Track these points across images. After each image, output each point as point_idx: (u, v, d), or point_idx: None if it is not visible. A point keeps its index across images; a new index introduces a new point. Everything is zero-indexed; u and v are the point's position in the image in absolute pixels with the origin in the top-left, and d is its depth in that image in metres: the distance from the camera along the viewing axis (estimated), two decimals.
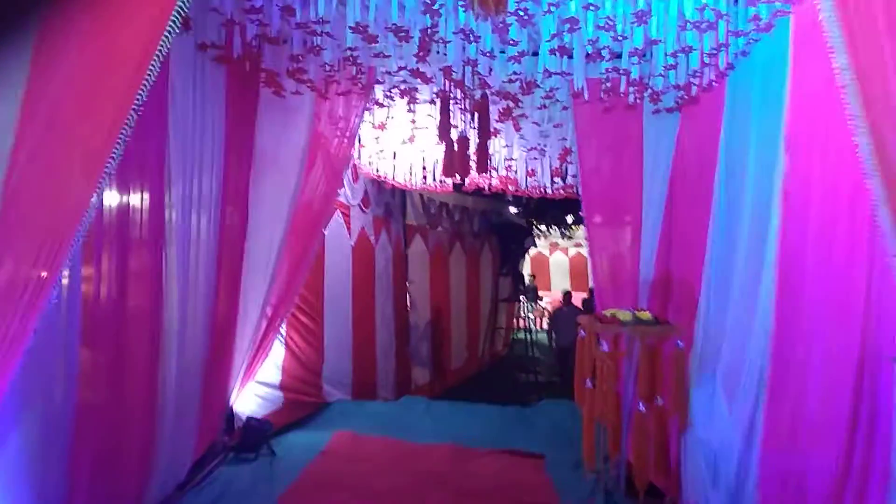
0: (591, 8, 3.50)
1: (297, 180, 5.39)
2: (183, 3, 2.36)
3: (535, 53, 4.28)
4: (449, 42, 3.82)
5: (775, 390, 3.44)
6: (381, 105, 5.56)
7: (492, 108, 5.19)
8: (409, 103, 5.41)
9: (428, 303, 10.27)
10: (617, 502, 4.44)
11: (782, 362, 3.39)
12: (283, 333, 6.49)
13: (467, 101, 5.03)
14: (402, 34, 3.78)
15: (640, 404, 4.18)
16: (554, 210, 14.30)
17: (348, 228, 7.75)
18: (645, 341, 4.16)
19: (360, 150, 6.88)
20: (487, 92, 4.92)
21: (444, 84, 4.77)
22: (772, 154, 3.55)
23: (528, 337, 11.78)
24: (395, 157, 7.09)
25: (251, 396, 5.92)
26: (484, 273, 12.61)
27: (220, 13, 3.80)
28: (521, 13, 3.56)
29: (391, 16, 3.60)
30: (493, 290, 12.99)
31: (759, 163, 3.75)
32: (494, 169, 7.00)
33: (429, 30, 3.76)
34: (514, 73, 4.25)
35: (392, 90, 5.13)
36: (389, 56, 4.14)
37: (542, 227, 16.03)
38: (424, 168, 7.40)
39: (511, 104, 5.22)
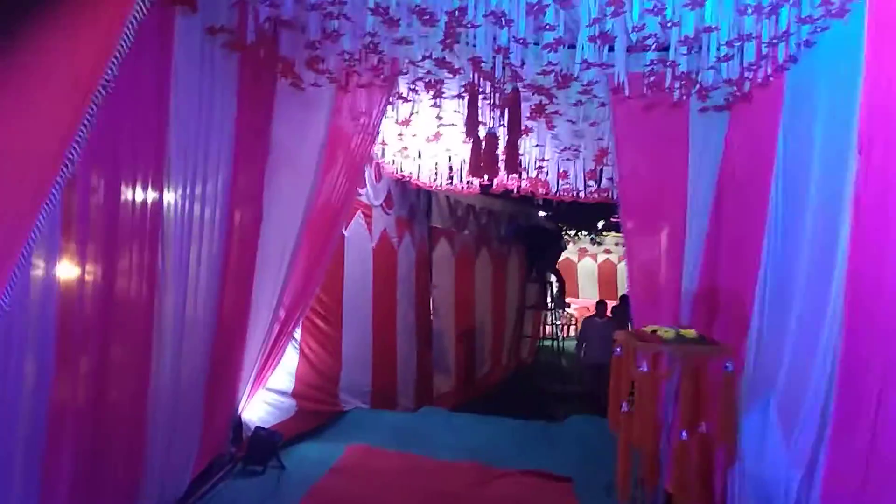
0: None
1: (315, 178, 5.12)
2: None
3: (572, 46, 3.92)
4: (478, 26, 3.46)
5: (842, 424, 3.00)
6: (405, 99, 5.23)
7: (523, 104, 4.82)
8: (434, 98, 5.07)
9: (452, 309, 9.91)
10: None
11: (852, 392, 2.95)
12: (298, 338, 6.18)
13: (497, 95, 4.67)
14: (427, 17, 3.43)
15: (684, 433, 3.76)
16: (584, 215, 13.88)
17: (370, 230, 7.43)
18: (689, 362, 3.75)
19: (382, 148, 6.55)
20: (518, 86, 4.56)
21: (472, 76, 4.42)
22: (841, 157, 3.12)
23: (556, 345, 11.36)
24: (419, 156, 6.74)
25: (261, 404, 5.62)
26: (511, 279, 12.22)
27: None
28: None
29: None
30: (519, 296, 12.59)
31: (825, 166, 3.33)
32: (524, 170, 6.62)
33: (456, 12, 3.40)
34: (550, 63, 3.87)
35: (416, 83, 4.78)
36: (413, 43, 3.80)
37: (572, 233, 15.62)
38: (451, 168, 7.03)
39: (544, 100, 4.84)
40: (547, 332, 13.89)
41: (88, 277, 3.04)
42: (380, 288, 7.75)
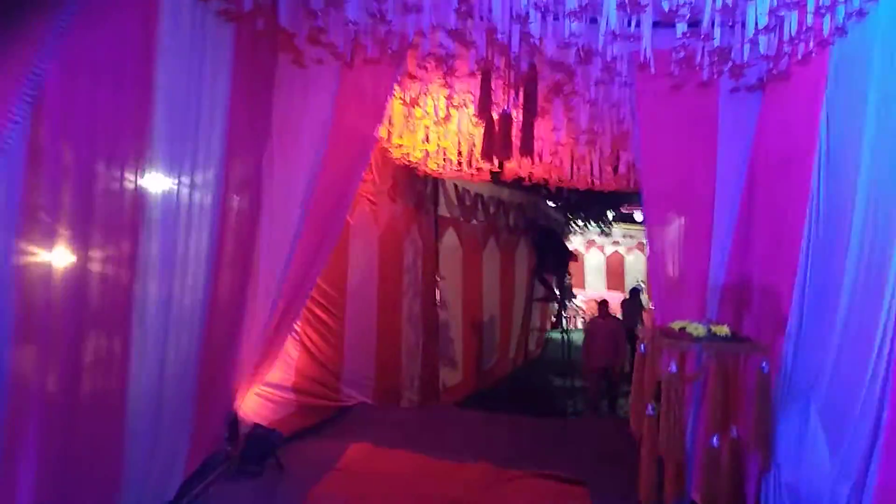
0: None
1: (317, 161, 4.82)
2: None
3: (594, 21, 3.61)
4: None
5: None
6: (414, 78, 4.90)
7: (539, 84, 4.50)
8: (445, 76, 4.74)
9: (459, 300, 9.60)
10: None
11: None
12: (298, 330, 5.89)
13: (512, 72, 4.34)
14: None
15: (715, 438, 3.45)
16: (594, 205, 13.55)
17: (375, 218, 7.12)
18: (722, 362, 3.44)
19: (388, 131, 6.23)
20: (536, 62, 4.23)
21: (486, 51, 4.09)
22: None
23: (564, 337, 11.05)
24: (427, 140, 6.41)
25: (259, 399, 5.35)
26: (519, 270, 11.90)
27: None
28: None
29: None
30: (527, 288, 12.29)
31: (878, 153, 3.02)
32: (538, 156, 6.28)
33: None
34: (572, 34, 3.53)
35: (426, 58, 4.44)
36: (423, 10, 3.47)
37: (580, 223, 15.30)
38: (460, 154, 6.70)
39: (564, 78, 4.51)
40: (554, 323, 13.64)
41: (57, 263, 2.75)
42: (385, 278, 7.45)
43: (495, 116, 4.43)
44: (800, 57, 3.65)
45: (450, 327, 9.27)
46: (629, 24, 3.61)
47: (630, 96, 4.64)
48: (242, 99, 4.14)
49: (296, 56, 4.30)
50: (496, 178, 7.66)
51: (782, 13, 3.31)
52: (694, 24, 3.60)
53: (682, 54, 3.84)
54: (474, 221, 9.92)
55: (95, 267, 3.00)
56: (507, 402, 8.48)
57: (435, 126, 6.02)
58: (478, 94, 4.74)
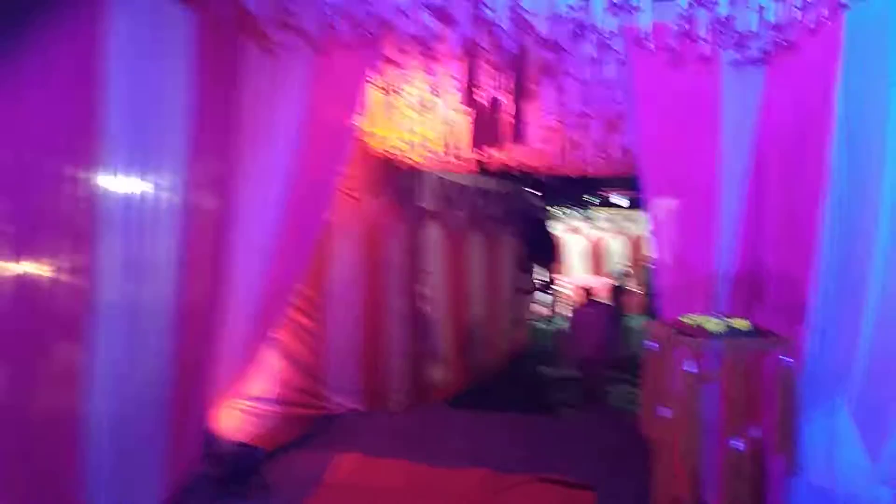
0: None
1: (292, 157, 4.49)
2: None
3: None
4: None
5: None
6: (393, 62, 4.55)
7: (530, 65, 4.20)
8: (426, 59, 4.40)
9: (445, 294, 9.28)
10: None
11: None
12: (279, 338, 5.54)
13: (500, 53, 4.03)
14: None
15: (738, 440, 3.19)
16: (574, 191, 13.33)
17: (357, 214, 6.77)
18: (743, 359, 3.18)
19: (368, 122, 5.87)
20: (525, 42, 3.92)
21: (472, 30, 3.77)
22: None
23: (548, 327, 10.86)
24: (409, 130, 6.06)
25: (240, 414, 4.99)
26: (505, 261, 11.63)
27: None
28: None
29: None
30: (514, 279, 12.03)
31: None
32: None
33: None
34: (569, 6, 3.22)
35: (406, 41, 4.10)
36: None
37: (563, 210, 15.10)
38: (446, 144, 6.35)
39: (554, 56, 4.19)
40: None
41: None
42: (368, 276, 7.11)
43: (484, 102, 4.13)
44: (812, 25, 3.39)
45: (436, 323, 8.97)
46: None
47: (626, 75, 4.34)
48: (205, 93, 3.78)
49: (263, 43, 3.96)
50: (482, 168, 7.33)
51: None
52: None
53: (686, 26, 3.56)
54: (458, 213, 9.62)
55: (38, 276, 2.67)
56: (500, 397, 8.20)
57: (417, 115, 5.67)
58: (463, 79, 4.44)
